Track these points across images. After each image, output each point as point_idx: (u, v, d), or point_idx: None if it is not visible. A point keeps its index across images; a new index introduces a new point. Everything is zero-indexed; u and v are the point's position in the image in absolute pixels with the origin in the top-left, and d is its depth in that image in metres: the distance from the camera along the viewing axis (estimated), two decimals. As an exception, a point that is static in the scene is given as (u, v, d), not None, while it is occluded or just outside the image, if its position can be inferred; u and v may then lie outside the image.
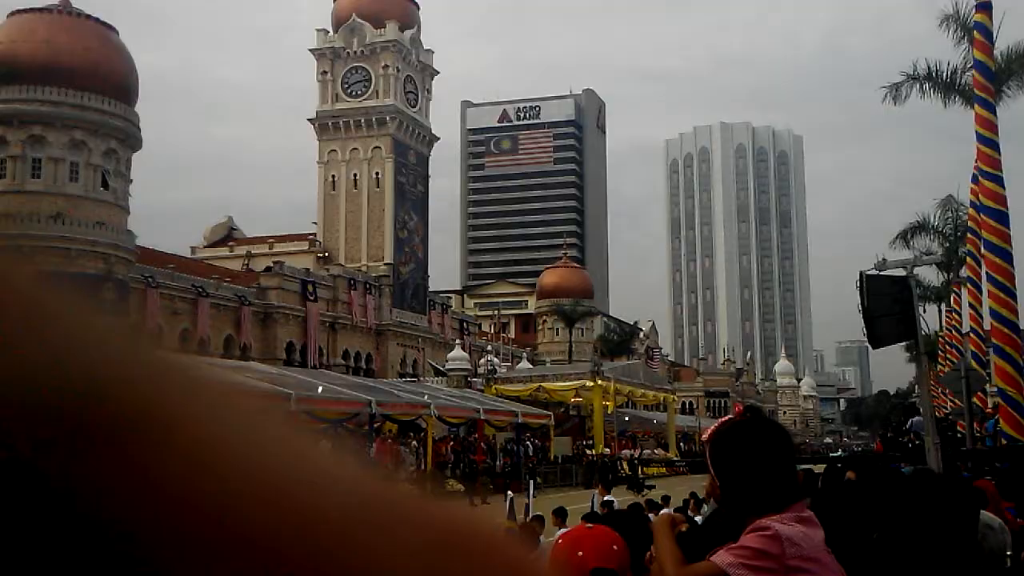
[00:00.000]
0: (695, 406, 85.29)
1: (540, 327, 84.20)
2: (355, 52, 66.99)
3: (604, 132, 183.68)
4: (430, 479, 31.45)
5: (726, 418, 2.36)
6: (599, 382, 46.73)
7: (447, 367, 47.32)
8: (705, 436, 2.31)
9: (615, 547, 2.68)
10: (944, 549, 1.98)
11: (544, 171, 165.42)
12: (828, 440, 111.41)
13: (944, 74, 25.53)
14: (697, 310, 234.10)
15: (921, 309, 12.38)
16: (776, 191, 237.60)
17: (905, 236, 35.60)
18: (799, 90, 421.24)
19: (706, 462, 2.22)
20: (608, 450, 45.16)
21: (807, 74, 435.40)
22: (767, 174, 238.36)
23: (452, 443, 34.81)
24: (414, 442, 31.72)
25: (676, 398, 67.46)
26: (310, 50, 68.48)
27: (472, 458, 33.74)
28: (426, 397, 32.72)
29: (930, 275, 36.66)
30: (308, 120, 67.42)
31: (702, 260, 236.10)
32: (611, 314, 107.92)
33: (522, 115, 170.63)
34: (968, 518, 2.08)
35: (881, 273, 9.94)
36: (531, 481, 14.63)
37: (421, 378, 50.64)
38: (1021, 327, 14.06)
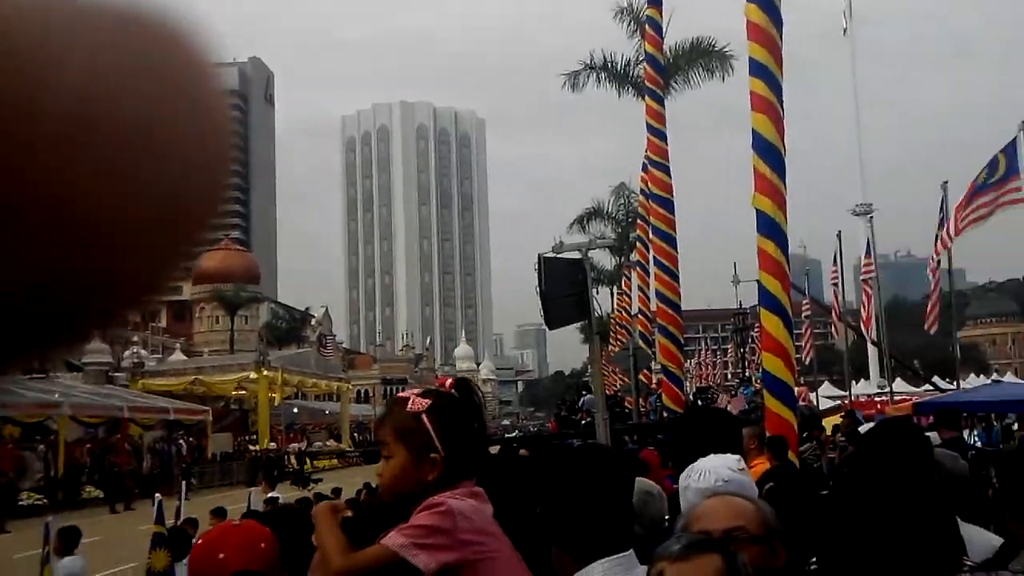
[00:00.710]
0: (371, 394, 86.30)
1: (198, 315, 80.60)
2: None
3: (273, 105, 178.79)
4: (63, 486, 29.26)
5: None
6: (265, 373, 45.94)
7: (83, 361, 43.78)
8: None
9: (263, 545, 2.59)
10: (595, 516, 2.17)
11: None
12: (506, 422, 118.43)
13: (619, 65, 27.93)
14: (375, 294, 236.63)
15: (595, 291, 13.58)
16: (459, 174, 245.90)
17: (582, 221, 38.61)
18: (485, 73, 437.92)
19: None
20: (274, 444, 44.71)
21: (495, 57, 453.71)
22: (449, 156, 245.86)
23: (89, 445, 32.68)
24: (41, 446, 29.70)
25: (351, 387, 67.86)
26: None
27: (113, 461, 31.84)
28: (57, 395, 31.75)
29: (604, 259, 40.00)
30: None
31: (380, 243, 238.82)
32: (280, 300, 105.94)
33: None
34: (618, 486, 2.28)
35: (558, 256, 10.65)
36: (184, 482, 14.02)
37: (51, 374, 46.55)
38: (683, 308, 15.97)
